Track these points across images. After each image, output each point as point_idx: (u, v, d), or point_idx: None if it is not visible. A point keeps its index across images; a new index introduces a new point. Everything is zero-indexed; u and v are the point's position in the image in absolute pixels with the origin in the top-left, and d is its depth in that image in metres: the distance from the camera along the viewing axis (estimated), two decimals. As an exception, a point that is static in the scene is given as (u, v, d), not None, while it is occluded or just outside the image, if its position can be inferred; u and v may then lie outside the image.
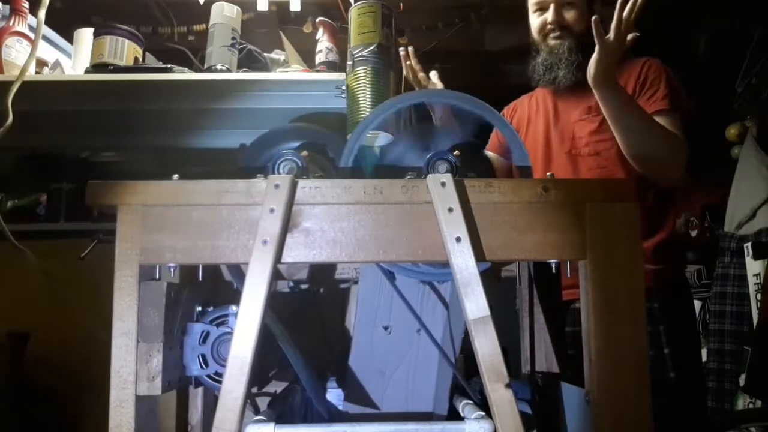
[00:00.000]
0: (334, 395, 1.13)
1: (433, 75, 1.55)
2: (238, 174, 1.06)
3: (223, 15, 1.60)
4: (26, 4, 1.60)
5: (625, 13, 1.30)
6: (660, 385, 1.44)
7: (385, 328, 1.05)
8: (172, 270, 0.86)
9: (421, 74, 1.53)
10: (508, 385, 0.77)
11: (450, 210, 0.82)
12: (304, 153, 0.98)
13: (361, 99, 1.35)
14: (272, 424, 0.80)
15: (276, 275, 1.17)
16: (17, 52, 1.55)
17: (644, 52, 1.62)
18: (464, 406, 0.93)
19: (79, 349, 1.44)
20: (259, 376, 1.18)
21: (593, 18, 1.33)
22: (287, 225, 0.83)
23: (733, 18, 2.61)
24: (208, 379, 0.99)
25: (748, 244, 2.59)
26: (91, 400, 1.04)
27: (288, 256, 0.84)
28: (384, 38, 1.39)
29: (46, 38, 1.68)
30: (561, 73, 1.59)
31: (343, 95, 1.45)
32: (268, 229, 0.82)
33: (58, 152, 1.85)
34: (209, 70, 1.55)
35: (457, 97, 1.01)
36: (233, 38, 1.59)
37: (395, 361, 1.05)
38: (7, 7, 1.60)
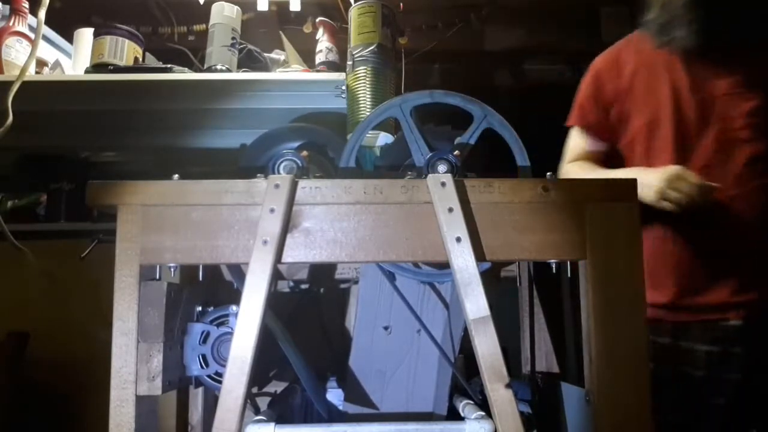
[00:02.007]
0: (334, 395, 1.13)
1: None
2: (238, 174, 1.07)
3: (223, 15, 1.60)
4: (26, 4, 1.60)
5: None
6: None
7: (386, 329, 1.05)
8: (172, 270, 0.86)
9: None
10: (508, 385, 0.77)
11: (450, 210, 0.82)
12: (304, 153, 0.98)
13: (361, 99, 1.35)
14: (272, 424, 0.81)
15: (276, 275, 1.17)
16: (17, 52, 1.55)
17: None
18: (464, 406, 0.93)
19: (79, 349, 1.44)
20: (259, 376, 1.18)
21: None
22: (287, 225, 0.83)
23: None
24: (208, 379, 0.99)
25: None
26: (91, 400, 1.04)
27: (288, 256, 0.84)
28: (384, 38, 1.40)
29: (46, 38, 1.68)
30: (678, 34, 1.22)
31: (343, 95, 1.45)
32: (268, 229, 0.82)
33: (58, 152, 1.85)
34: (209, 70, 1.55)
35: (461, 98, 1.01)
36: (233, 38, 1.59)
37: (395, 362, 1.05)
38: (7, 7, 1.60)
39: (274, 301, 0.90)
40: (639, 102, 1.28)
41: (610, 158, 1.35)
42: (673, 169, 1.15)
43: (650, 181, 1.14)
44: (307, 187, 0.85)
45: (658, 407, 1.19)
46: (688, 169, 1.15)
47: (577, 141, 1.38)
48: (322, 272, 1.24)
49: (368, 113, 1.19)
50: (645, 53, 1.30)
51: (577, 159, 1.37)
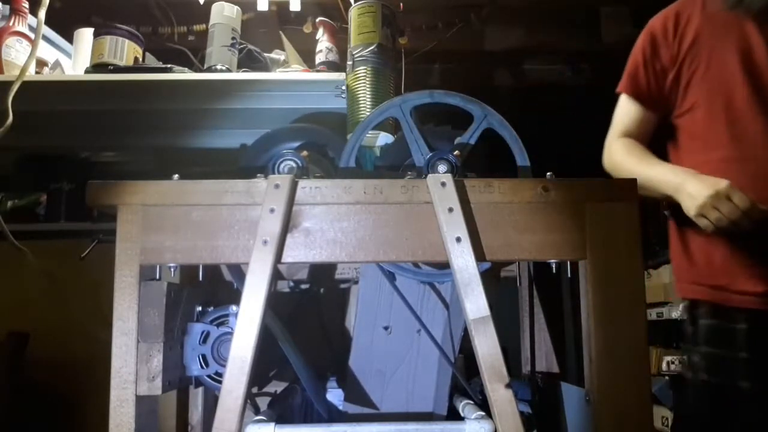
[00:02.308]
0: (334, 395, 1.13)
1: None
2: (238, 174, 1.07)
3: (223, 15, 1.60)
4: (26, 4, 1.60)
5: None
6: None
7: (386, 329, 1.05)
8: (172, 270, 0.86)
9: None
10: (508, 385, 0.77)
11: (450, 210, 0.82)
12: (304, 153, 0.98)
13: (361, 99, 1.35)
14: (272, 424, 0.81)
15: (276, 275, 1.17)
16: (17, 52, 1.55)
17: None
18: (464, 406, 0.93)
19: (79, 349, 1.44)
20: (259, 376, 1.18)
21: None
22: (287, 225, 0.83)
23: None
24: (208, 379, 0.99)
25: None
26: (91, 400, 1.04)
27: (288, 256, 0.84)
28: (384, 38, 1.40)
29: (46, 38, 1.68)
30: None
31: (343, 95, 1.45)
32: (268, 229, 0.82)
33: (58, 152, 1.85)
34: (209, 70, 1.55)
35: (461, 98, 1.01)
36: (233, 38, 1.59)
37: (395, 362, 1.05)
38: (7, 7, 1.60)
39: (274, 301, 0.90)
40: (702, 67, 1.18)
41: (661, 128, 1.25)
42: (721, 185, 1.04)
43: (696, 192, 1.07)
44: (307, 187, 0.85)
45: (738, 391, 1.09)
46: (737, 188, 1.04)
47: (625, 110, 1.26)
48: (322, 272, 1.24)
49: (368, 113, 1.19)
50: (710, 13, 1.19)
51: (625, 131, 1.26)
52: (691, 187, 1.08)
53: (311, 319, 1.23)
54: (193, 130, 1.77)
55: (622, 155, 1.24)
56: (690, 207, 1.09)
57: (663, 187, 1.15)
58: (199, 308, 1.02)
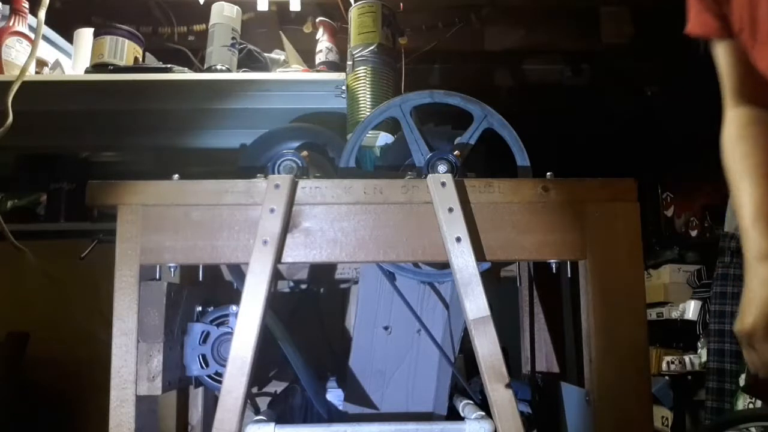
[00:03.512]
0: (334, 395, 1.13)
1: None
2: (238, 174, 1.07)
3: (223, 15, 1.60)
4: (26, 4, 1.60)
5: None
6: None
7: (386, 329, 1.05)
8: (172, 270, 0.86)
9: None
10: (508, 385, 0.77)
11: (450, 210, 0.82)
12: (304, 153, 0.98)
13: (361, 99, 1.35)
14: (272, 424, 0.81)
15: (276, 275, 1.17)
16: (17, 52, 1.55)
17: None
18: (464, 406, 0.93)
19: (79, 349, 1.44)
20: (259, 376, 1.18)
21: None
22: (287, 225, 0.84)
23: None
24: (208, 379, 0.99)
25: (749, 244, 2.57)
26: (92, 400, 1.04)
27: (288, 256, 0.84)
28: (384, 38, 1.40)
29: (46, 38, 1.68)
30: None
31: (343, 95, 1.45)
32: (268, 229, 0.82)
33: (58, 152, 1.85)
34: (209, 70, 1.55)
35: (461, 98, 1.01)
36: (233, 38, 1.59)
37: (395, 362, 1.05)
38: (7, 7, 1.60)
39: (274, 301, 0.90)
40: None
41: None
42: (756, 320, 0.72)
43: (742, 302, 0.76)
44: (307, 187, 0.85)
45: None
46: None
47: (721, 59, 0.90)
48: (322, 272, 1.24)
49: (368, 113, 1.19)
50: None
51: (735, 91, 0.89)
52: (746, 284, 0.77)
53: (311, 319, 1.23)
54: (193, 130, 1.77)
55: (729, 154, 0.87)
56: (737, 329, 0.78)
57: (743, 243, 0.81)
58: (199, 308, 1.02)
